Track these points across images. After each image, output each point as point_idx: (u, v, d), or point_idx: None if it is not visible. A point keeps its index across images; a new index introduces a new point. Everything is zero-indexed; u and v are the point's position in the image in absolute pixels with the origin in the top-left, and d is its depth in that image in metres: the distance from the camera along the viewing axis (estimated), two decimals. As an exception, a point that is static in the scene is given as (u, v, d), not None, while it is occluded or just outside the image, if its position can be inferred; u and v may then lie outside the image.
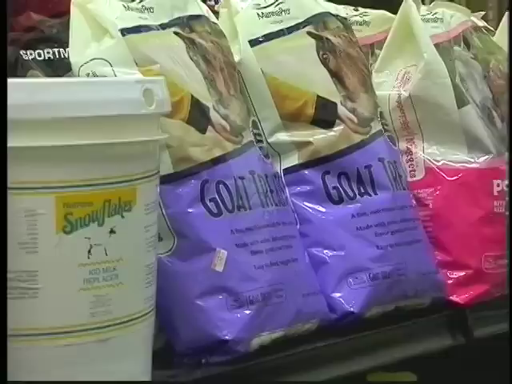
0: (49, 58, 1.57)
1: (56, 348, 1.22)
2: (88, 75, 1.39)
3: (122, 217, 1.24)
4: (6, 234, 1.15)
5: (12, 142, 1.17)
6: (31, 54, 1.57)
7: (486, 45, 1.86)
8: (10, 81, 1.24)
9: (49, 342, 1.22)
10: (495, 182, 1.75)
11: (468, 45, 1.81)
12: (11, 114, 1.17)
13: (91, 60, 1.39)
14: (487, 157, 1.75)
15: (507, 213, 1.65)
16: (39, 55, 1.57)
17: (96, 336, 1.23)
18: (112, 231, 1.24)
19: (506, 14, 1.98)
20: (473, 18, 1.87)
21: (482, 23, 1.90)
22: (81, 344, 1.23)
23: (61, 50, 1.54)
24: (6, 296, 1.14)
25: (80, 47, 1.41)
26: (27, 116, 1.19)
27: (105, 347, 1.24)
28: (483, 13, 1.98)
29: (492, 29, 1.96)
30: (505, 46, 1.91)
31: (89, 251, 1.22)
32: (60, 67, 1.52)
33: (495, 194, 1.75)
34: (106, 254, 1.23)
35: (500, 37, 1.96)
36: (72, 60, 1.41)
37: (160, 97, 1.27)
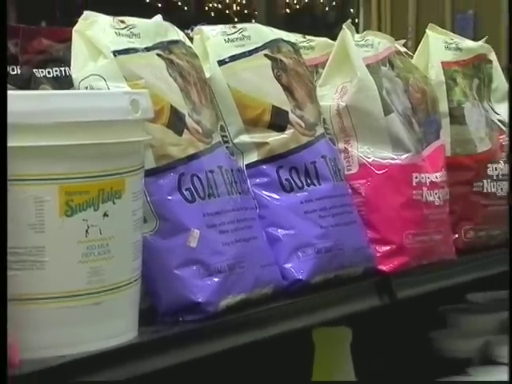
0: (56, 75, 1.55)
1: (59, 309, 1.20)
2: (86, 88, 1.37)
3: (114, 203, 1.23)
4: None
5: (23, 142, 1.17)
6: (42, 72, 1.55)
7: (406, 66, 1.83)
8: (23, 92, 1.31)
9: (54, 305, 1.20)
10: (414, 174, 1.72)
11: (392, 65, 1.79)
12: (24, 119, 1.17)
13: (89, 76, 1.37)
14: (407, 155, 1.72)
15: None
16: (49, 73, 1.55)
17: (92, 300, 1.22)
18: (105, 214, 1.22)
19: (423, 40, 1.95)
20: (396, 45, 1.85)
21: (403, 49, 1.88)
22: (80, 306, 1.21)
23: (66, 68, 1.51)
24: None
25: (80, 65, 1.39)
26: (36, 121, 1.19)
27: (99, 308, 1.23)
28: (404, 41, 1.95)
29: (411, 54, 1.94)
30: (421, 67, 1.90)
31: (86, 231, 1.21)
32: (65, 82, 1.49)
33: (414, 184, 1.72)
34: (101, 233, 1.22)
35: (417, 60, 1.94)
36: (73, 76, 1.40)
37: (144, 105, 1.27)
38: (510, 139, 1.93)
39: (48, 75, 1.55)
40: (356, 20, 4.72)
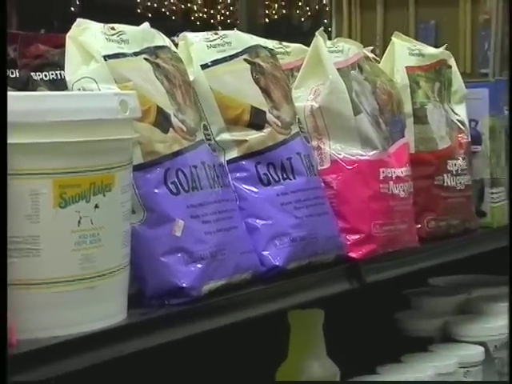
0: (52, 78, 1.53)
1: (54, 293, 1.19)
2: (79, 89, 1.36)
3: (104, 195, 1.22)
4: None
5: (20, 139, 1.16)
6: (39, 75, 1.53)
7: (374, 70, 1.82)
8: (21, 93, 1.30)
9: (48, 289, 1.19)
10: (381, 169, 1.71)
11: (361, 69, 1.77)
12: (21, 118, 1.16)
13: (81, 78, 1.36)
14: (375, 151, 1.71)
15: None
16: (45, 76, 1.53)
17: (84, 284, 1.21)
18: (96, 206, 1.21)
19: (389, 47, 1.95)
20: (364, 51, 1.83)
21: (371, 55, 1.87)
22: (73, 290, 1.20)
23: (61, 72, 1.48)
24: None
25: (73, 69, 1.38)
26: (33, 120, 1.18)
27: (91, 293, 1.22)
28: (372, 48, 1.94)
29: (378, 59, 1.92)
30: (387, 72, 1.88)
31: (78, 221, 1.20)
32: (60, 85, 1.46)
33: (381, 178, 1.71)
34: (92, 224, 1.21)
35: (383, 65, 1.92)
36: (67, 78, 1.38)
37: (132, 106, 1.26)
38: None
39: (44, 78, 1.54)
40: (329, 29, 4.71)
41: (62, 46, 1.43)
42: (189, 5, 6.50)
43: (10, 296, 1.10)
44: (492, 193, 2.03)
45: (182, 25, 5.98)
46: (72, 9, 5.61)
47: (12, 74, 1.57)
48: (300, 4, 6.56)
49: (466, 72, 4.26)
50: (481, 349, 2.00)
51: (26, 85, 1.52)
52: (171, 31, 1.61)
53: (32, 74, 1.54)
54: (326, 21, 5.47)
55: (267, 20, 6.41)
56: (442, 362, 1.92)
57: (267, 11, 6.51)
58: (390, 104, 1.79)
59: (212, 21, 6.52)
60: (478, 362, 1.98)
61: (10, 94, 1.19)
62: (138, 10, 6.25)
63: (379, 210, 1.69)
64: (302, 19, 6.53)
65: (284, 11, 6.60)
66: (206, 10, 6.59)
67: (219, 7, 6.61)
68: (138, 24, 1.48)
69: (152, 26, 1.48)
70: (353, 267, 1.64)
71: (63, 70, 1.44)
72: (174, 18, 6.29)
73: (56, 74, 1.52)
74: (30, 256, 1.17)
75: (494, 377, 2.03)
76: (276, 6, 6.56)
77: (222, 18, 6.61)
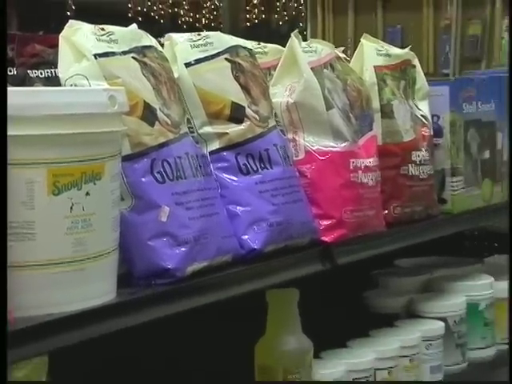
0: (47, 75, 1.51)
1: (48, 274, 1.18)
2: (71, 86, 1.35)
3: (95, 184, 1.21)
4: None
5: (16, 131, 1.15)
6: (35, 72, 1.52)
7: (345, 69, 1.80)
8: (18, 88, 1.29)
9: (43, 271, 1.18)
10: (351, 160, 1.70)
11: (333, 68, 1.76)
12: (17, 112, 1.15)
13: (74, 75, 1.35)
14: (346, 143, 1.70)
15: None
16: (41, 74, 1.52)
17: (76, 266, 1.20)
18: (87, 194, 1.20)
19: (359, 48, 1.94)
20: (336, 51, 1.82)
21: (342, 55, 1.86)
22: (66, 272, 1.19)
23: (56, 70, 1.47)
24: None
25: (66, 67, 1.37)
26: (28, 113, 1.17)
27: (83, 274, 1.21)
28: (343, 48, 1.93)
29: (348, 59, 1.91)
30: (357, 71, 1.87)
31: (71, 208, 1.19)
32: (55, 82, 1.45)
33: (351, 168, 1.70)
34: (83, 210, 1.20)
35: (353, 64, 1.90)
36: (60, 75, 1.37)
37: (121, 101, 1.25)
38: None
39: (40, 75, 1.53)
40: (304, 32, 4.69)
41: (57, 45, 1.42)
42: (176, 9, 6.49)
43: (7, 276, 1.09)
44: (452, 182, 2.02)
45: (169, 28, 5.98)
46: (68, 13, 5.59)
47: (10, 71, 1.57)
48: (278, 9, 6.57)
49: (429, 72, 4.27)
50: (441, 324, 2.00)
51: (23, 82, 1.50)
52: (160, 34, 1.59)
53: (29, 71, 1.53)
54: (301, 24, 5.46)
55: (248, 24, 6.41)
56: (407, 336, 1.92)
57: (248, 16, 6.51)
58: (360, 100, 1.78)
59: (197, 24, 6.49)
60: (439, 335, 1.98)
61: (8, 89, 1.18)
62: (129, 15, 6.22)
63: (349, 197, 1.68)
64: (280, 23, 6.54)
65: (263, 16, 6.61)
66: (191, 14, 6.58)
67: (204, 12, 6.60)
68: (127, 26, 1.47)
69: (142, 28, 1.47)
70: (325, 250, 1.64)
71: (57, 67, 1.42)
72: (162, 21, 6.27)
73: (51, 72, 1.51)
74: (25, 240, 1.16)
75: (453, 349, 2.03)
76: (256, 10, 6.57)
77: (207, 21, 6.58)
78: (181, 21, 6.39)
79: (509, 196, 1.63)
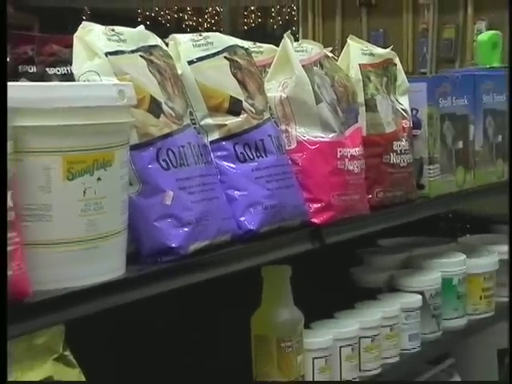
0: (64, 72, 1.49)
1: (64, 252, 1.17)
2: (84, 81, 1.33)
3: (105, 170, 1.19)
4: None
5: (35, 122, 1.14)
6: (53, 70, 1.51)
7: (333, 67, 1.79)
8: (36, 83, 1.28)
9: (59, 249, 1.17)
10: (338, 149, 1.69)
11: (322, 66, 1.74)
12: (35, 104, 1.14)
13: (86, 72, 1.33)
14: (333, 134, 1.68)
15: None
16: (58, 71, 1.50)
17: (89, 245, 1.19)
18: (99, 179, 1.19)
19: (345, 48, 1.91)
20: (325, 50, 1.79)
21: (330, 54, 1.83)
22: (80, 250, 1.18)
23: (71, 67, 1.44)
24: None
25: (79, 64, 1.35)
26: (46, 106, 1.15)
27: (95, 252, 1.20)
28: (331, 48, 1.90)
29: (336, 58, 1.88)
30: (344, 68, 1.85)
31: (84, 191, 1.17)
32: (70, 78, 1.43)
33: (338, 157, 1.68)
34: (95, 194, 1.18)
35: (340, 63, 1.88)
36: (74, 72, 1.35)
37: (129, 95, 1.24)
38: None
39: (57, 73, 1.51)
40: (297, 35, 4.68)
41: (72, 45, 1.40)
42: (180, 14, 6.48)
43: (26, 254, 1.09)
44: (429, 169, 2.01)
45: (175, 31, 5.94)
46: (83, 17, 5.58)
47: (30, 69, 1.57)
48: (273, 14, 6.57)
49: (409, 71, 4.26)
50: (419, 297, 2.00)
51: (42, 78, 1.49)
52: (166, 36, 1.58)
53: (47, 69, 1.52)
54: (294, 28, 5.43)
55: (246, 27, 6.40)
56: (388, 307, 1.91)
57: (246, 20, 6.50)
58: (346, 95, 1.77)
59: (200, 28, 6.48)
60: (416, 307, 1.98)
61: (28, 84, 1.21)
62: (139, 19, 6.19)
63: (337, 183, 1.66)
64: (275, 27, 6.53)
65: (260, 20, 6.61)
66: (195, 18, 6.57)
67: (206, 16, 6.58)
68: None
69: (150, 31, 1.45)
70: (315, 230, 1.63)
71: (72, 65, 1.40)
72: (168, 25, 6.25)
73: (66, 70, 1.49)
74: (43, 221, 1.15)
75: (429, 319, 2.03)
76: (253, 15, 6.57)
77: (209, 25, 6.57)
78: (185, 24, 6.38)
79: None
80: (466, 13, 4.24)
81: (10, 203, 1.06)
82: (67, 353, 1.21)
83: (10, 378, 1.13)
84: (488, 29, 3.83)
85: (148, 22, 6.00)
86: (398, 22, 4.47)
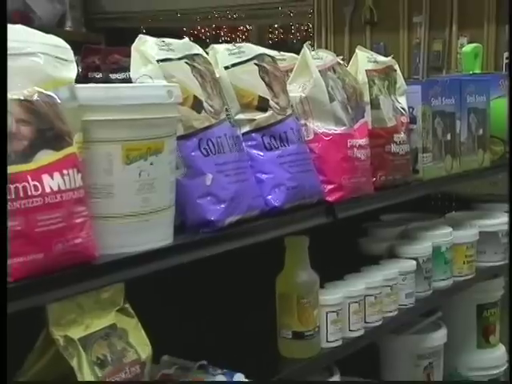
0: (123, 77, 1.50)
1: (123, 224, 1.15)
2: (140, 83, 1.30)
3: (157, 156, 1.18)
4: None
5: (101, 117, 1.12)
6: (115, 75, 1.52)
7: (344, 72, 1.75)
8: (101, 85, 1.22)
9: (119, 221, 1.15)
10: (348, 140, 1.65)
11: (335, 71, 1.70)
12: (101, 102, 1.12)
13: (142, 76, 1.30)
14: (344, 128, 1.65)
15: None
16: (119, 76, 1.51)
17: (143, 218, 1.17)
18: (151, 163, 1.17)
19: (354, 56, 1.87)
20: (337, 58, 1.76)
21: (341, 61, 1.79)
22: (135, 222, 1.16)
23: (129, 73, 1.43)
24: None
25: (136, 69, 1.32)
26: (108, 103, 1.13)
27: (148, 224, 1.18)
28: (342, 57, 1.85)
29: (346, 64, 1.84)
30: (352, 73, 1.81)
31: (139, 174, 1.16)
32: (128, 82, 1.41)
33: (348, 146, 1.65)
34: (148, 176, 1.17)
35: (350, 68, 1.84)
36: (132, 76, 1.32)
37: (176, 94, 1.22)
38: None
39: (118, 77, 1.51)
40: (312, 48, 4.63)
41: (130, 56, 1.38)
42: (218, 31, 6.47)
43: (93, 225, 1.07)
44: (423, 157, 1.97)
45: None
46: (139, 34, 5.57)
47: (97, 75, 1.58)
48: (292, 31, 6.54)
49: (404, 77, 4.21)
50: (413, 262, 1.97)
51: (106, 82, 1.49)
52: (206, 47, 1.56)
53: (110, 75, 1.52)
54: (309, 42, 5.41)
55: (270, 42, 6.37)
56: (388, 271, 1.88)
57: (270, 36, 6.48)
58: (355, 95, 1.73)
59: (233, 42, 6.46)
60: (411, 271, 1.95)
61: (95, 85, 1.18)
62: (184, 36, 6.18)
63: (347, 168, 1.63)
64: (294, 41, 6.51)
65: (282, 36, 6.58)
66: (229, 35, 6.54)
67: (238, 33, 6.55)
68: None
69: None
70: (328, 207, 1.60)
71: (130, 71, 1.39)
72: (208, 40, 6.23)
73: (125, 75, 1.48)
74: (107, 198, 1.13)
75: (422, 280, 2.00)
76: (276, 32, 6.54)
77: (240, 40, 6.56)
78: (221, 40, 6.36)
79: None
80: (451, 30, 4.21)
81: (80, 183, 1.04)
82: (127, 305, 1.20)
83: (82, 327, 1.11)
84: (469, 42, 3.79)
85: (191, 38, 6.00)
86: (395, 37, 4.43)
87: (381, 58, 1.91)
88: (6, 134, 0.96)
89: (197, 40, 1.41)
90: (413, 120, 1.95)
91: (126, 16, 5.09)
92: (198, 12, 5.06)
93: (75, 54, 1.13)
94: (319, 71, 1.63)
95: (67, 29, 4.70)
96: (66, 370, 1.06)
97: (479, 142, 2.23)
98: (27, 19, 4.21)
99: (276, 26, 6.47)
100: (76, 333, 1.09)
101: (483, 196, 2.57)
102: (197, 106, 1.31)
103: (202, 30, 6.29)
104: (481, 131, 2.24)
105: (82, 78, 1.41)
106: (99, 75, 1.56)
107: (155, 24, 5.00)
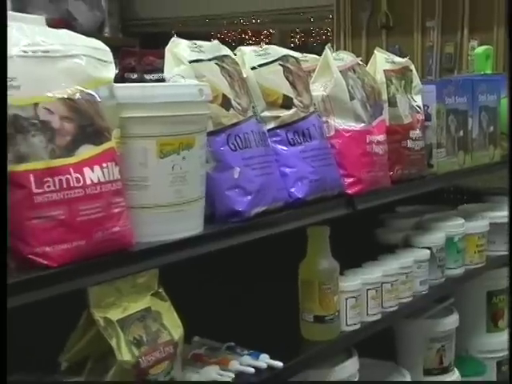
0: (158, 78, 1.47)
1: (158, 214, 1.15)
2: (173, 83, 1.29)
3: (188, 151, 1.17)
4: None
5: (137, 114, 1.12)
6: (149, 76, 1.48)
7: (363, 72, 1.73)
8: (139, 84, 1.21)
9: (154, 211, 1.15)
10: (367, 136, 1.63)
11: (354, 71, 1.68)
12: (137, 100, 1.11)
13: (174, 76, 1.29)
14: (363, 124, 1.63)
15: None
16: (153, 77, 1.48)
17: (176, 208, 1.16)
18: (184, 158, 1.16)
19: (373, 57, 1.85)
20: (357, 59, 1.74)
21: (361, 62, 1.77)
22: (169, 212, 1.16)
23: (163, 74, 1.42)
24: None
25: (169, 69, 1.32)
26: (144, 101, 1.12)
27: (181, 214, 1.17)
28: (361, 58, 1.83)
29: (365, 65, 1.81)
30: (371, 73, 1.78)
31: (172, 167, 1.15)
32: (162, 82, 1.40)
33: (367, 142, 1.63)
34: (181, 169, 1.16)
35: (369, 68, 1.81)
36: (165, 76, 1.32)
37: (207, 93, 1.21)
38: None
39: (152, 78, 1.49)
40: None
41: (163, 58, 1.37)
42: (243, 35, 6.47)
43: (130, 215, 1.06)
44: (437, 152, 1.95)
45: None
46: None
47: (133, 76, 1.55)
48: (313, 35, 6.52)
49: (419, 78, 4.18)
50: (428, 251, 1.94)
51: (141, 82, 1.46)
52: (233, 49, 1.55)
53: (145, 75, 1.50)
54: (330, 44, 5.38)
55: (292, 45, 6.35)
56: (404, 259, 1.86)
57: (292, 39, 6.46)
58: (373, 94, 1.71)
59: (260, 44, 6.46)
60: (426, 259, 1.92)
61: (131, 85, 1.17)
62: (212, 39, 6.18)
63: (366, 162, 1.61)
64: (315, 44, 6.48)
65: (303, 39, 6.56)
66: (253, 38, 6.54)
67: (262, 37, 6.54)
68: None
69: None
70: (349, 199, 1.58)
71: (163, 72, 1.38)
72: (233, 43, 6.23)
73: (159, 76, 1.46)
74: (142, 189, 1.13)
75: (436, 268, 1.97)
76: (298, 36, 6.52)
77: (264, 44, 6.54)
78: (246, 43, 6.37)
79: (509, 190, 1.53)
80: (463, 33, 4.17)
81: (118, 176, 1.04)
82: (161, 290, 1.20)
83: (120, 309, 1.11)
84: (479, 45, 3.75)
85: (218, 41, 6.00)
86: (409, 40, 4.40)
87: (398, 59, 1.89)
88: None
89: (223, 43, 1.39)
90: (428, 117, 1.92)
91: (158, 22, 5.12)
92: (225, 17, 5.07)
93: (113, 57, 1.13)
94: (340, 71, 1.61)
95: (106, 34, 4.73)
96: (105, 349, 1.06)
97: (490, 138, 2.20)
98: (70, 26, 4.25)
99: (297, 30, 6.45)
100: (115, 315, 1.09)
101: (493, 189, 2.53)
102: (225, 103, 1.30)
103: (229, 34, 6.29)
104: (492, 128, 2.21)
105: (119, 79, 1.40)
106: (135, 76, 1.56)
107: (185, 28, 5.02)
